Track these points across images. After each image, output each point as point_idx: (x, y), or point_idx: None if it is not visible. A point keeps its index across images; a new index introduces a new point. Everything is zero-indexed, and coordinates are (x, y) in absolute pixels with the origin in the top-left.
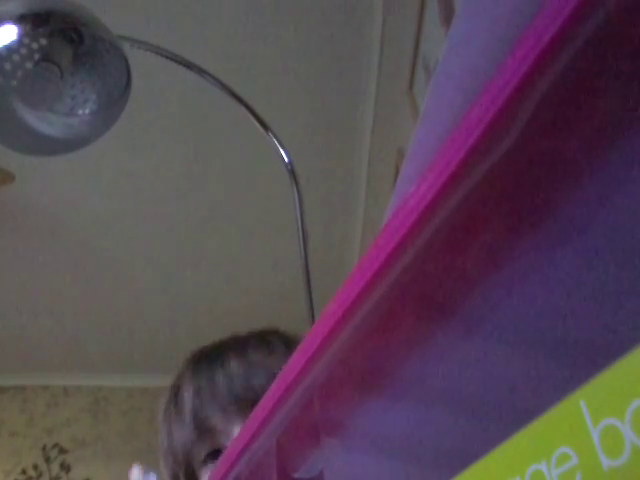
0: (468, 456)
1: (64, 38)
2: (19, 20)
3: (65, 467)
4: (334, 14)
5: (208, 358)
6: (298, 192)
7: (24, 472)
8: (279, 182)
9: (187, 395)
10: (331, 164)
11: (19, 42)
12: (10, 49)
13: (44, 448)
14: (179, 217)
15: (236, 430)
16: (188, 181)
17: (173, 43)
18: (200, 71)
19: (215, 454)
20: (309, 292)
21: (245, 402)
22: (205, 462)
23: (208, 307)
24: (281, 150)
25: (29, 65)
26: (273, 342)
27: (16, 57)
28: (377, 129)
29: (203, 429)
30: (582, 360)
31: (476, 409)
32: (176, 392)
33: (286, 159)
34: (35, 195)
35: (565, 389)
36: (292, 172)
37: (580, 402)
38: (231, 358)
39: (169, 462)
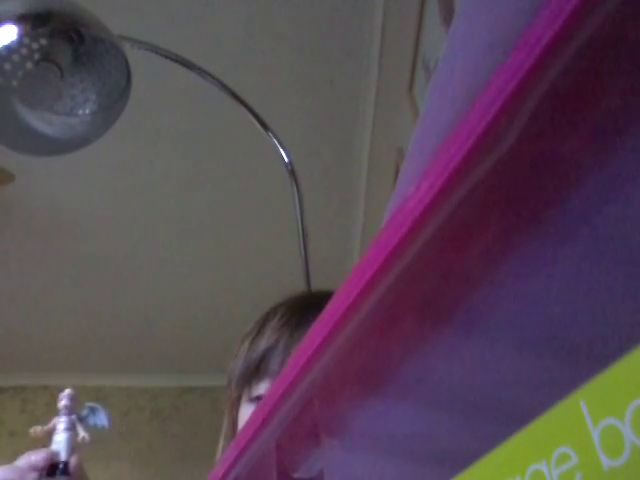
0: (468, 456)
1: (64, 38)
2: (19, 20)
3: None
4: (334, 14)
5: (304, 312)
6: (298, 192)
7: None
8: (279, 182)
9: (270, 331)
10: (331, 164)
11: (19, 42)
12: (10, 49)
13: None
14: (179, 217)
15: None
16: (188, 181)
17: (173, 43)
18: (200, 71)
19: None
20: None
21: None
22: (252, 401)
23: (208, 307)
24: (281, 150)
25: (29, 65)
26: None
27: (16, 57)
28: (377, 129)
29: (264, 369)
30: (582, 360)
31: (476, 409)
32: (264, 322)
33: (286, 159)
34: (35, 195)
35: (565, 389)
36: (292, 172)
37: (580, 402)
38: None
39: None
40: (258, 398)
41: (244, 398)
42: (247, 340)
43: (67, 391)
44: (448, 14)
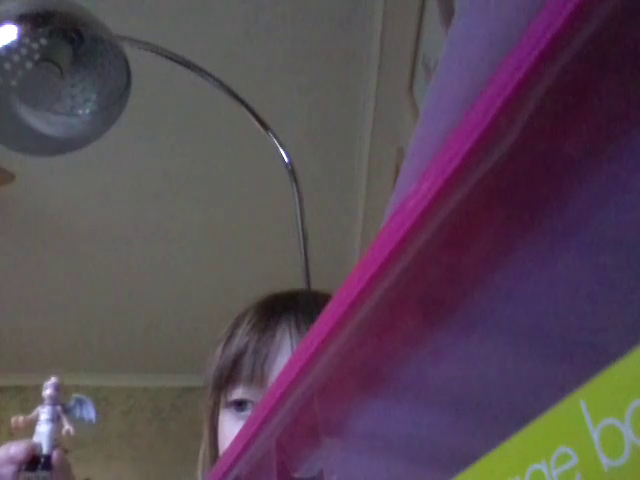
0: (468, 456)
1: (64, 38)
2: (19, 20)
3: None
4: (334, 14)
5: (271, 314)
6: (298, 192)
7: None
8: (279, 182)
9: (239, 336)
10: (331, 164)
11: (19, 42)
12: (10, 49)
13: None
14: (179, 217)
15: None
16: (188, 181)
17: (173, 43)
18: (200, 71)
19: (238, 404)
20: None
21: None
22: (228, 406)
23: (208, 307)
24: (281, 150)
25: (29, 65)
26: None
27: (16, 57)
28: (377, 129)
29: (237, 374)
30: (582, 360)
31: (476, 409)
32: (234, 327)
33: (286, 159)
34: (35, 195)
35: (565, 389)
36: (292, 172)
37: (580, 402)
38: (284, 333)
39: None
40: (235, 403)
41: (221, 404)
42: (219, 346)
43: (52, 379)
44: (448, 14)
